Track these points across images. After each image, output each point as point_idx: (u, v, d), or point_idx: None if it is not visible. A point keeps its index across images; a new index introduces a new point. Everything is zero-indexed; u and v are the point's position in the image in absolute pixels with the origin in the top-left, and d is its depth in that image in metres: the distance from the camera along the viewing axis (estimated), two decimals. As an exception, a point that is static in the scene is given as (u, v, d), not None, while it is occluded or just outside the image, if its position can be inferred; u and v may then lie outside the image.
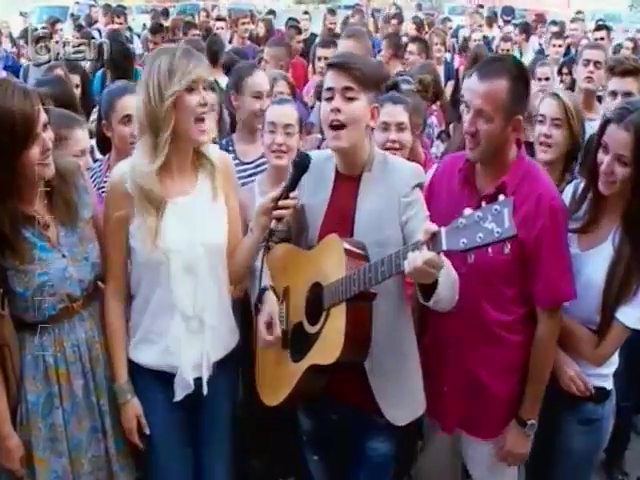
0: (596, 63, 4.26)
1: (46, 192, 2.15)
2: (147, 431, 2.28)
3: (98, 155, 3.30)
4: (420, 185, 2.26)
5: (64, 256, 2.16)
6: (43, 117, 2.05)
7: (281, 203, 2.18)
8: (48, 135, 2.08)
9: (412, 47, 6.09)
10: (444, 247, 1.77)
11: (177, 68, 2.13)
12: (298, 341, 2.27)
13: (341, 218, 2.25)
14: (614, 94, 3.37)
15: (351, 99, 2.17)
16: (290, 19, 8.21)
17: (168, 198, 2.20)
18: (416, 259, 1.80)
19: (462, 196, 2.33)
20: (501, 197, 1.71)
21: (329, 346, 2.11)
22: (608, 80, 3.47)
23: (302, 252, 2.34)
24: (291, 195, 2.19)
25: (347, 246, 2.14)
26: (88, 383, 2.23)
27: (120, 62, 4.97)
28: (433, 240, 1.80)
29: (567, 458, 2.48)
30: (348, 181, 2.29)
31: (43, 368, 2.17)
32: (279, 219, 2.19)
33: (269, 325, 2.24)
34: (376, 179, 2.25)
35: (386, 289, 2.15)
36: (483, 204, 1.73)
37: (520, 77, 2.23)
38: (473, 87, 2.22)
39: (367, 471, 2.36)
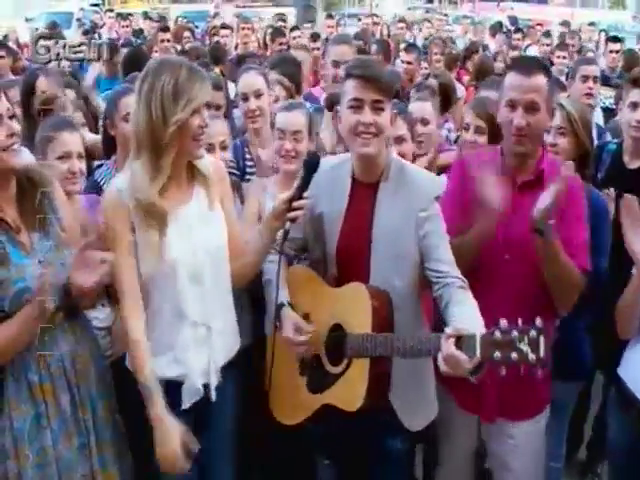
0: (595, 78, 4.31)
1: (16, 198, 2.11)
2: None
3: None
4: (438, 198, 2.28)
5: (40, 262, 2.08)
6: (4, 105, 2.02)
7: (295, 204, 2.18)
8: (14, 125, 2.04)
9: (408, 57, 5.99)
10: (478, 355, 1.84)
11: (182, 92, 2.10)
12: (316, 373, 2.32)
13: (358, 230, 2.28)
14: (635, 105, 3.30)
15: (380, 110, 2.20)
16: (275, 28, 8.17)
17: (168, 210, 2.19)
18: (453, 364, 1.86)
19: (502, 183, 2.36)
20: (538, 321, 1.80)
21: (350, 395, 2.19)
22: (629, 91, 3.40)
23: (325, 286, 2.35)
24: (304, 195, 2.19)
25: (375, 304, 2.17)
26: (74, 398, 2.16)
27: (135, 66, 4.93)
28: (466, 342, 1.86)
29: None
30: (365, 189, 2.30)
31: (27, 387, 2.09)
32: (293, 220, 2.19)
33: (297, 329, 2.27)
34: (394, 189, 2.27)
35: (403, 303, 2.23)
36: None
37: (549, 71, 2.47)
38: (520, 83, 2.37)
39: (387, 467, 2.38)
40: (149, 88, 2.12)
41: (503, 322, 1.83)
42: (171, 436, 2.09)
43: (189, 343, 2.24)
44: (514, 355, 1.79)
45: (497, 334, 1.82)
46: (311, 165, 2.22)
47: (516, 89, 2.37)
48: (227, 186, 2.43)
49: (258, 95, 3.37)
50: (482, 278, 2.33)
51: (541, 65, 2.44)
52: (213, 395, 2.28)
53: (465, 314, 2.04)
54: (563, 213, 2.31)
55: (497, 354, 1.80)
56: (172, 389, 2.24)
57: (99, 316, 2.57)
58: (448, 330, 1.92)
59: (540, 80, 2.36)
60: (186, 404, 2.25)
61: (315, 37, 7.59)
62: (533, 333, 1.78)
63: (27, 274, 2.05)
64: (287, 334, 2.27)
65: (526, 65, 2.43)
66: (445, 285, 2.18)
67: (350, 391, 2.19)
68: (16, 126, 2.06)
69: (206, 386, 2.28)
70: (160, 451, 2.10)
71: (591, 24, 11.87)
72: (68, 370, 2.15)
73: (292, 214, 2.18)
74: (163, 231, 2.17)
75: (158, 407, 2.11)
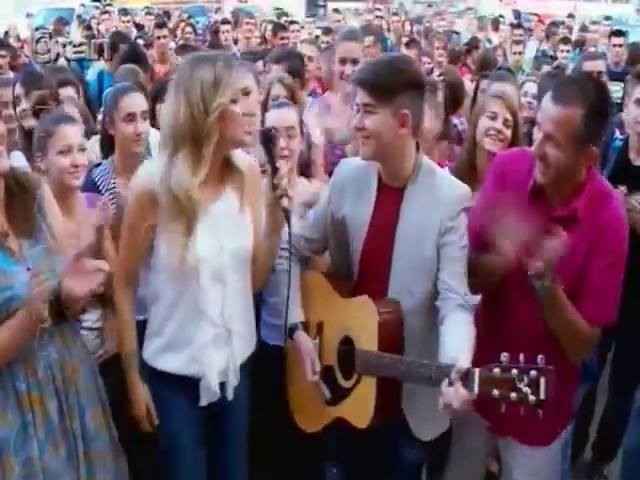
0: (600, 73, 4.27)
1: (4, 203, 2.05)
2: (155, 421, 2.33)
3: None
4: (466, 209, 2.24)
5: (29, 269, 2.00)
6: None
7: (275, 181, 2.17)
8: None
9: (409, 52, 5.89)
10: (475, 391, 1.81)
11: (221, 79, 2.11)
12: (329, 384, 2.34)
13: (383, 233, 2.25)
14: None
15: (369, 113, 2.16)
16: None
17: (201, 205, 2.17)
18: (451, 400, 1.84)
19: (530, 209, 2.15)
20: (539, 359, 1.74)
21: (360, 411, 2.21)
22: (635, 87, 3.34)
23: (337, 296, 2.36)
24: (277, 166, 2.19)
25: (382, 321, 2.16)
26: (62, 405, 2.09)
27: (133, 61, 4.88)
28: (466, 377, 1.83)
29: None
30: (391, 193, 2.27)
31: (14, 396, 2.02)
32: (283, 197, 2.17)
33: (312, 363, 2.32)
34: (421, 193, 2.23)
35: (414, 308, 2.21)
36: (533, 365, 1.76)
37: (599, 104, 2.08)
38: (546, 110, 2.10)
39: (400, 476, 2.37)
40: (188, 81, 2.11)
41: (504, 357, 1.79)
42: (139, 401, 2.32)
43: (208, 341, 2.23)
44: (513, 395, 1.75)
45: (496, 371, 1.78)
46: (267, 136, 2.22)
47: (541, 113, 2.13)
48: (259, 186, 2.39)
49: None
50: (505, 308, 2.29)
51: (582, 96, 2.04)
52: (230, 394, 2.29)
53: (455, 337, 2.05)
54: (598, 253, 2.13)
55: (495, 392, 1.77)
56: (189, 385, 2.24)
57: (91, 317, 2.56)
58: (453, 374, 1.86)
59: (566, 114, 2.03)
60: (203, 402, 2.26)
61: (327, 31, 7.45)
62: (533, 373, 1.73)
63: (16, 282, 1.97)
64: (306, 362, 2.33)
65: (561, 91, 2.08)
66: (447, 299, 2.17)
67: (360, 408, 2.20)
68: (1, 127, 2.00)
69: (222, 384, 2.28)
70: (132, 410, 2.34)
71: (607, 18, 11.61)
72: (56, 377, 2.09)
73: (279, 191, 2.16)
74: (192, 225, 2.14)
75: (134, 376, 2.32)
